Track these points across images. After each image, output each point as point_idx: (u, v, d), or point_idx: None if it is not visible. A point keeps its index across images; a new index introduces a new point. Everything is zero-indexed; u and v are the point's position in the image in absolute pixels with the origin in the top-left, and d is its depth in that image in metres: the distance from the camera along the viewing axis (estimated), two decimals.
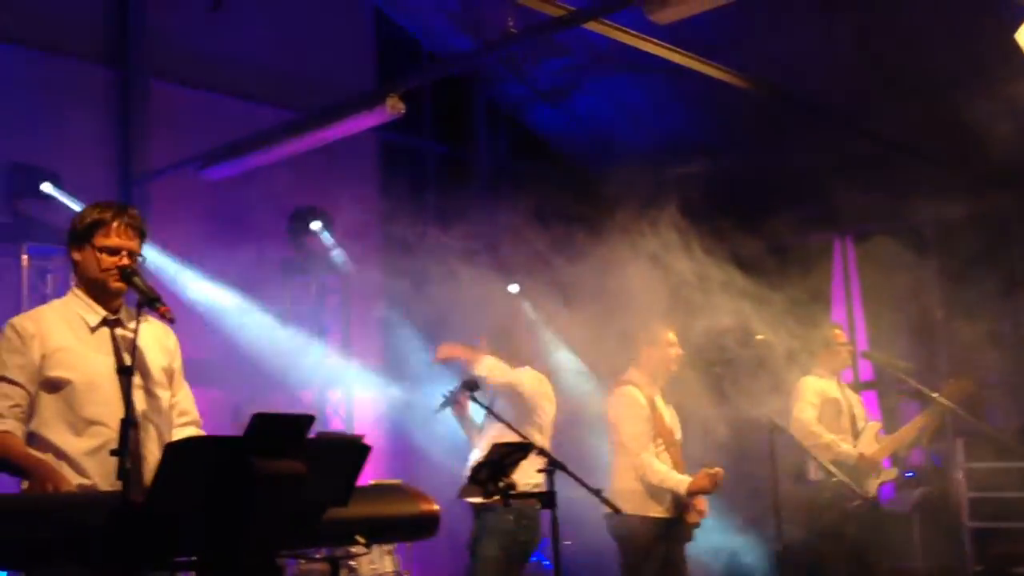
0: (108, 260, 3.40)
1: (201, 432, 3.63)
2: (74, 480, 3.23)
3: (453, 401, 5.63)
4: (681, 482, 5.41)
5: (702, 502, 5.55)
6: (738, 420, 6.04)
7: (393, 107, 6.29)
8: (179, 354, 3.67)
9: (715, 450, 5.98)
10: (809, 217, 8.71)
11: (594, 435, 6.07)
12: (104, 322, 3.45)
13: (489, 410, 4.94)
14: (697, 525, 5.61)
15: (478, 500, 4.68)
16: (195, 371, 3.84)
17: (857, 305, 9.68)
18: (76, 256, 3.46)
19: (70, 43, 7.82)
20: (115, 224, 3.42)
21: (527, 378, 5.68)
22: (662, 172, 6.58)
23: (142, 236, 3.51)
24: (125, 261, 3.40)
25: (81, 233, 3.43)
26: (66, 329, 3.39)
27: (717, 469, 5.40)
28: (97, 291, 3.45)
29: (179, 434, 3.55)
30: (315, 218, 8.31)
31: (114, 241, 3.41)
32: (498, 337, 5.87)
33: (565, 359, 7.65)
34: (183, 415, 3.63)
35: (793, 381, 6.40)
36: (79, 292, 3.49)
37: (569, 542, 6.13)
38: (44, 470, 3.16)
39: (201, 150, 7.43)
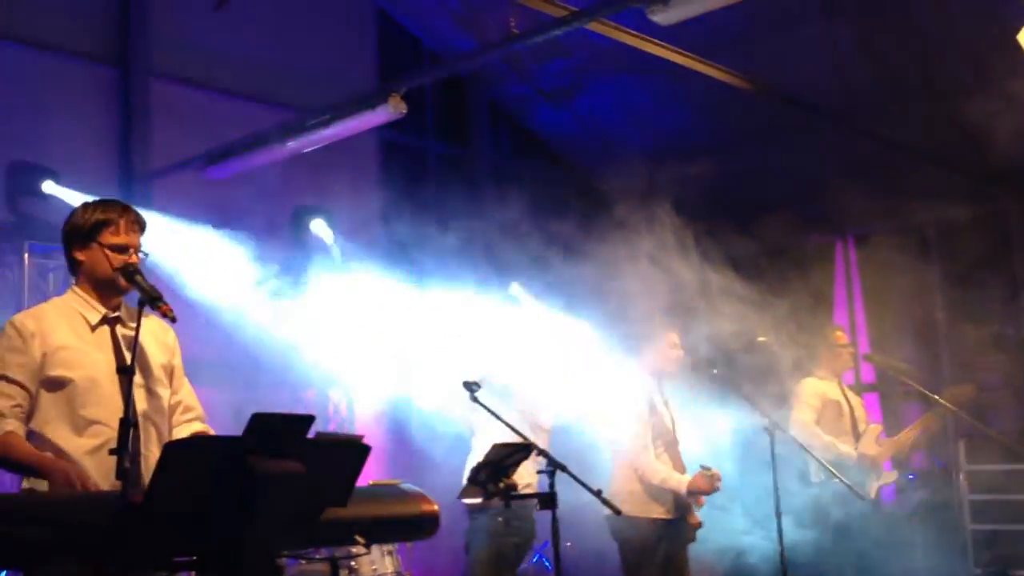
0: (118, 258, 3.40)
1: (207, 427, 3.64)
2: None
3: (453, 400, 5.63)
4: (682, 482, 5.40)
5: (700, 500, 5.54)
6: (740, 421, 6.03)
7: (395, 107, 6.28)
8: (179, 351, 3.67)
9: (717, 451, 5.97)
10: (811, 218, 8.71)
11: (595, 436, 6.05)
12: (104, 320, 3.44)
13: (489, 410, 4.93)
14: (699, 526, 5.60)
15: (474, 501, 4.67)
16: (195, 370, 3.83)
17: (859, 307, 9.67)
18: (80, 256, 3.44)
19: (72, 42, 7.82)
20: (122, 222, 3.44)
21: (527, 377, 5.68)
22: (663, 172, 6.56)
23: (143, 232, 3.53)
24: (134, 259, 3.42)
25: (87, 232, 3.42)
26: (67, 327, 3.39)
27: (715, 470, 5.40)
28: (105, 289, 3.44)
29: (185, 430, 3.56)
30: (317, 216, 8.31)
31: (123, 239, 3.42)
32: (501, 339, 5.87)
33: (566, 359, 7.63)
34: (188, 411, 3.62)
35: (794, 383, 6.39)
36: (79, 290, 3.48)
37: (569, 543, 6.12)
38: (60, 468, 3.15)
39: (203, 149, 7.43)
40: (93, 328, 3.42)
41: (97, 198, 3.59)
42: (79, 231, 3.43)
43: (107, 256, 3.40)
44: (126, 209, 3.48)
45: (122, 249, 3.41)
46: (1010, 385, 8.72)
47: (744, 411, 5.79)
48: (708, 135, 9.38)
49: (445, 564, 7.51)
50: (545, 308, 7.71)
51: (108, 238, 3.41)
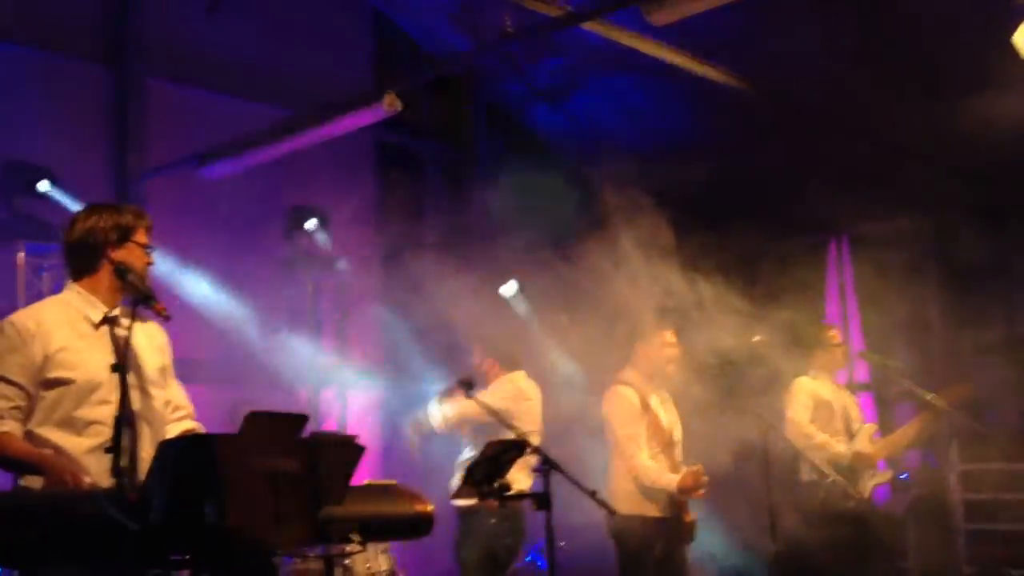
0: (144, 258, 3.53)
1: (197, 424, 3.67)
2: None
3: (447, 398, 5.63)
4: (672, 481, 5.41)
5: (699, 494, 5.53)
6: (733, 421, 6.04)
7: (390, 104, 6.26)
8: (169, 351, 3.69)
9: (710, 451, 5.98)
10: (805, 217, 8.71)
11: (591, 436, 6.06)
12: (106, 319, 3.45)
13: (485, 407, 4.94)
14: (695, 524, 5.60)
15: (467, 503, 4.67)
16: (191, 369, 3.85)
17: (852, 306, 9.67)
18: (117, 255, 3.46)
19: (67, 42, 7.81)
20: (146, 225, 3.57)
21: (509, 390, 5.68)
22: (658, 172, 6.57)
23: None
24: (151, 260, 3.55)
25: (125, 231, 3.48)
26: (67, 327, 3.39)
27: (698, 467, 5.40)
28: (128, 286, 3.47)
29: (176, 428, 3.58)
30: (312, 217, 8.31)
31: (147, 240, 3.56)
32: (492, 342, 5.88)
33: (561, 360, 7.64)
34: (178, 410, 3.65)
35: (788, 382, 6.40)
36: (81, 288, 3.48)
37: (564, 543, 6.13)
38: (58, 464, 3.15)
39: (198, 148, 7.42)
40: (97, 326, 3.43)
41: (93, 198, 3.62)
42: (119, 230, 3.48)
43: (143, 254, 3.50)
44: (145, 214, 3.61)
45: (149, 249, 3.54)
46: (1005, 384, 8.74)
47: (739, 410, 5.80)
48: (703, 135, 9.38)
49: (439, 563, 7.52)
50: (540, 307, 7.73)
51: (141, 237, 3.52)
